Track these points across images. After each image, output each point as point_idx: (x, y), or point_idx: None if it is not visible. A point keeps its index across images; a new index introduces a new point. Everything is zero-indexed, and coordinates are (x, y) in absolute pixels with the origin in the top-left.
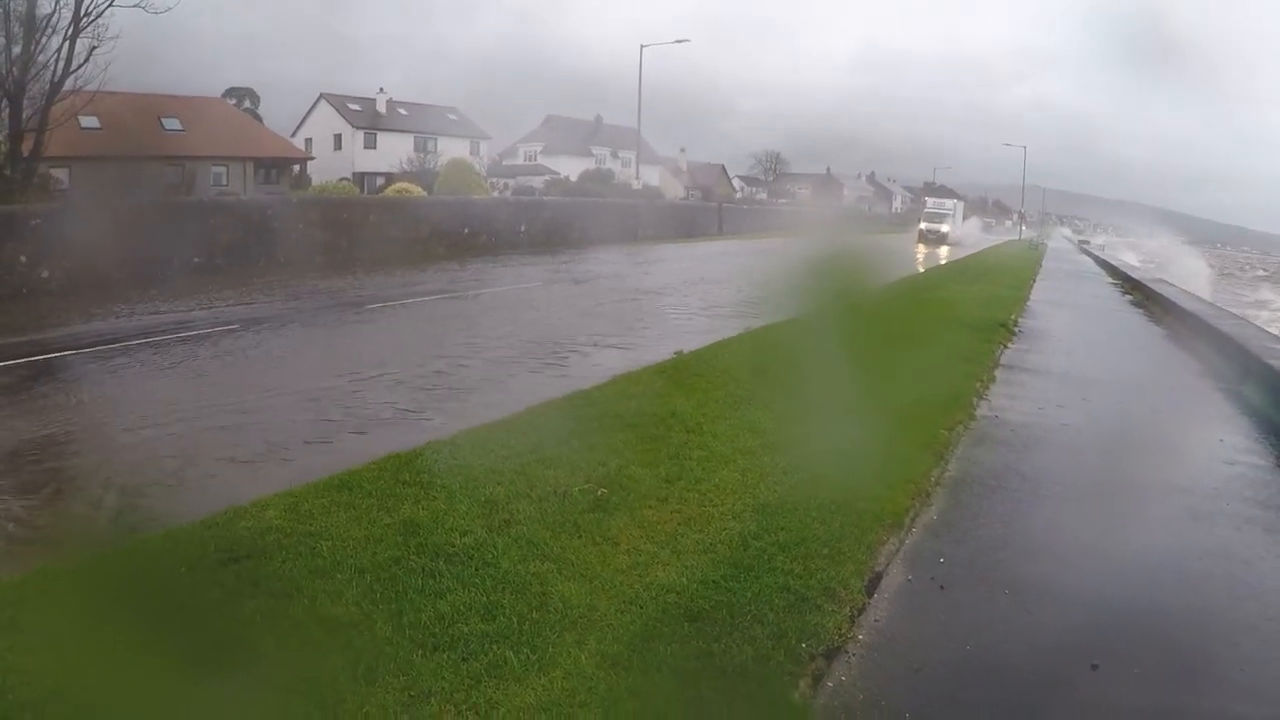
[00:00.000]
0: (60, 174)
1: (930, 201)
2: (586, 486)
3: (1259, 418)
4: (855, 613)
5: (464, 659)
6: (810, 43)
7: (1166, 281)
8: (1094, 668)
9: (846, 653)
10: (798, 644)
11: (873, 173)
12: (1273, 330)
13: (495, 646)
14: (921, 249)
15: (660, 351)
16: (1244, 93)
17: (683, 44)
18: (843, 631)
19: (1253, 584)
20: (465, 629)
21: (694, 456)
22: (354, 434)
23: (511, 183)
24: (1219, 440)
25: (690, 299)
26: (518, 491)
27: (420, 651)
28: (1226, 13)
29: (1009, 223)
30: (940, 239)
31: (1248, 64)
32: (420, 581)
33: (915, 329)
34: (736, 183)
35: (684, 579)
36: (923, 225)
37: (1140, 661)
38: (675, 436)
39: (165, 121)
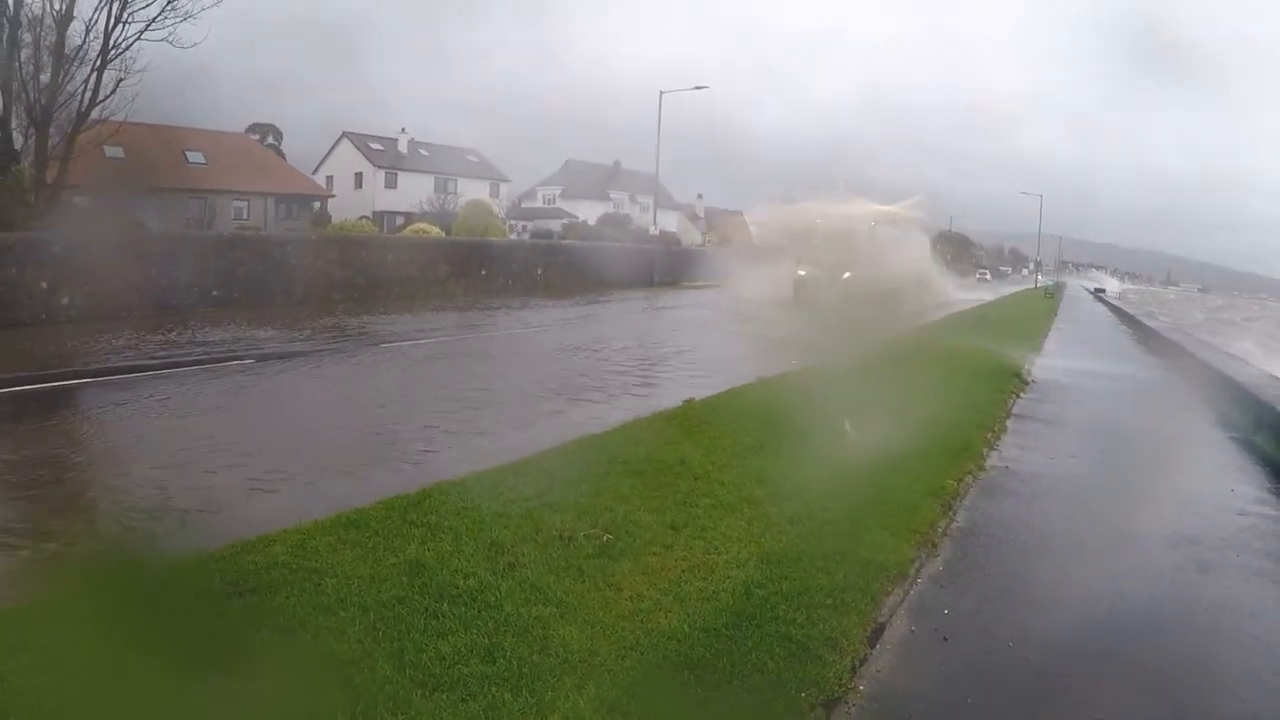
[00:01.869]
0: (83, 202)
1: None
2: (592, 532)
3: (1272, 467)
4: (857, 663)
5: (463, 700)
6: (816, 89)
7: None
8: None
9: (846, 703)
10: (797, 694)
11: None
12: None
13: (495, 688)
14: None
15: (672, 398)
16: (1244, 136)
17: (701, 90)
18: (843, 682)
19: (1260, 636)
20: (466, 670)
21: (700, 504)
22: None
23: (530, 225)
24: (1230, 490)
25: (704, 345)
26: (523, 535)
27: (420, 691)
28: (1223, 48)
29: (1025, 271)
30: (810, 295)
31: (1246, 109)
32: (423, 622)
33: (926, 377)
34: (754, 229)
35: (686, 626)
36: (802, 270)
37: (1144, 715)
38: (682, 484)
39: (189, 154)
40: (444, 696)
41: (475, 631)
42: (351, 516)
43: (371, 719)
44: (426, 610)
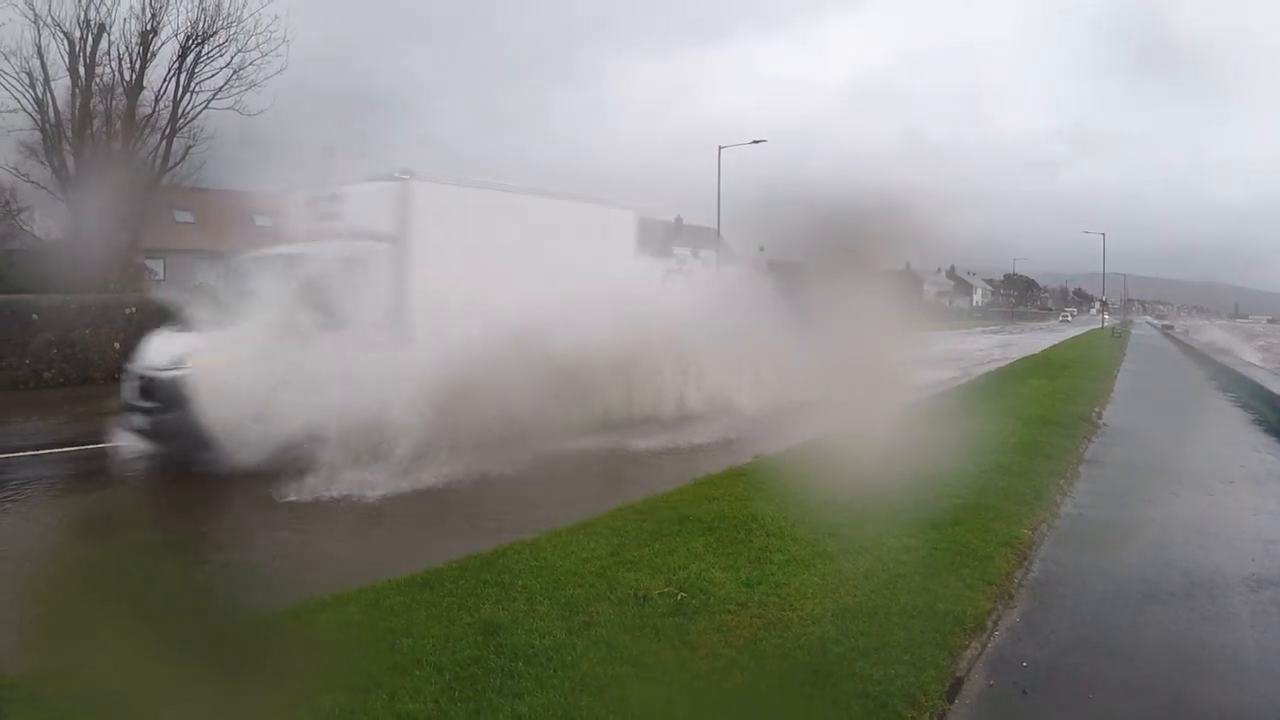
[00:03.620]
0: (155, 265)
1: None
2: (666, 590)
3: None
4: (935, 719)
5: None
6: (857, 142)
7: None
8: None
9: None
10: None
11: (952, 267)
12: None
13: None
14: None
15: (741, 455)
16: None
17: (759, 144)
18: None
19: None
20: None
21: (774, 560)
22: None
23: None
24: None
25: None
26: (598, 594)
27: None
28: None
29: (1092, 310)
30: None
31: None
32: (499, 682)
33: (993, 426)
34: None
35: (762, 684)
36: None
37: None
38: (755, 540)
39: (257, 218)
40: None
41: (552, 691)
42: (425, 576)
43: None
44: (503, 670)
